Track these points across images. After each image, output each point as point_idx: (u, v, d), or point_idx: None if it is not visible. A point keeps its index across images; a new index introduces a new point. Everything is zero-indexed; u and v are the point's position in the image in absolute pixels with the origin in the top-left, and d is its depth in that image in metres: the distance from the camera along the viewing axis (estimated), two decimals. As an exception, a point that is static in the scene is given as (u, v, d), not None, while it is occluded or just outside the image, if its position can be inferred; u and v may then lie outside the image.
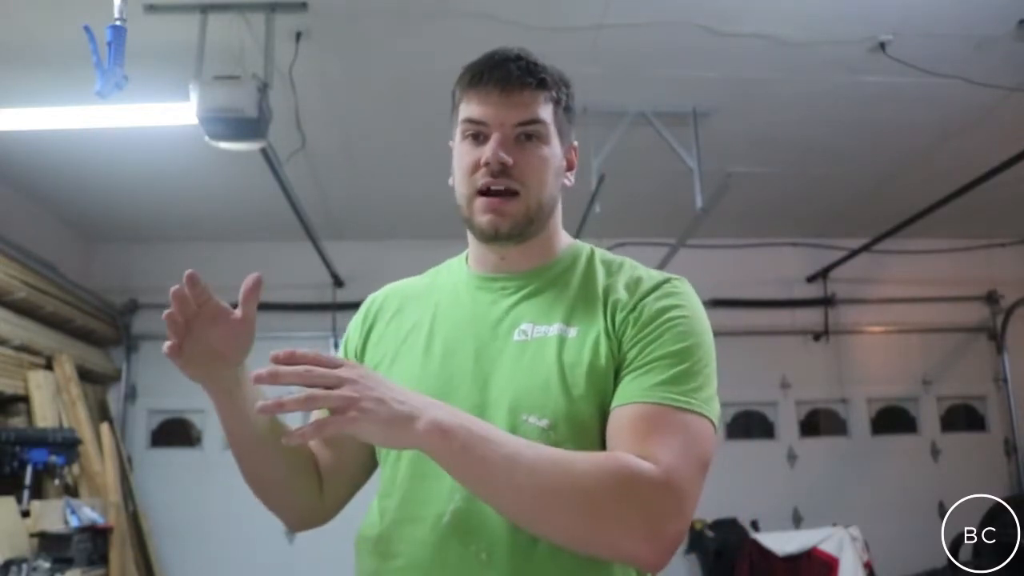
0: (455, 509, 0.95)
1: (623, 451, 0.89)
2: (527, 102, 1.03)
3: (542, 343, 1.01)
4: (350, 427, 0.82)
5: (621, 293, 1.04)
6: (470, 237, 1.12)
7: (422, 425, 0.84)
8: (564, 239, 1.14)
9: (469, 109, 1.04)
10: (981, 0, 2.85)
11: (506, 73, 1.02)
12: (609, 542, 0.86)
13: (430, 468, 0.92)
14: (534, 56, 1.06)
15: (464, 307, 1.09)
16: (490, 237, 1.04)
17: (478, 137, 1.03)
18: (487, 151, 1.01)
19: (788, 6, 2.88)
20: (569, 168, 1.12)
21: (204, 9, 2.76)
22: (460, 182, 1.06)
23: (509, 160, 1.01)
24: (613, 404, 0.96)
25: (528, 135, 1.03)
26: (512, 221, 1.03)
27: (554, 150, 1.06)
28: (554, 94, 1.06)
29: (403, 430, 0.84)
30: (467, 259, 1.16)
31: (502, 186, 1.02)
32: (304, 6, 2.77)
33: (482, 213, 1.03)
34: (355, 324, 1.18)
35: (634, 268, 1.11)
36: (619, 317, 1.01)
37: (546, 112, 1.04)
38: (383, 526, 1.01)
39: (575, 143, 1.13)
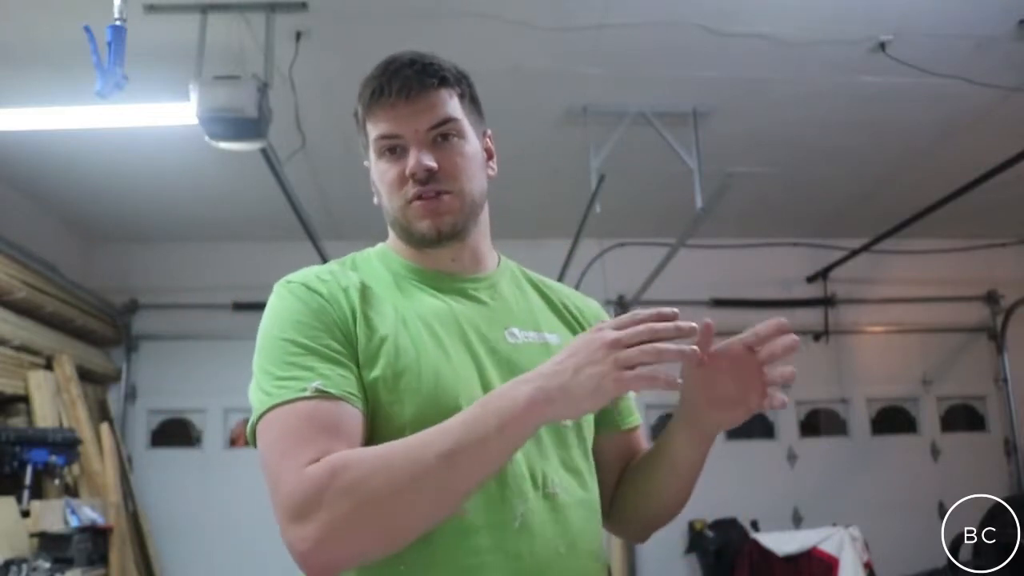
0: (524, 512, 0.94)
1: None
2: (434, 104, 1.02)
3: (534, 347, 1.05)
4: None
5: (581, 314, 1.17)
6: (402, 244, 1.09)
7: None
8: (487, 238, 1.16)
9: (379, 126, 1.03)
10: (981, 0, 2.86)
11: (406, 80, 1.00)
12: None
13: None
14: (427, 56, 1.04)
15: (437, 305, 1.03)
16: (432, 240, 1.03)
17: (395, 151, 1.02)
18: (410, 162, 1.00)
19: (788, 6, 2.88)
20: (489, 157, 1.12)
21: (204, 9, 2.76)
22: (389, 198, 1.04)
23: (434, 165, 1.00)
24: (626, 424, 1.17)
25: (444, 135, 1.02)
26: (451, 219, 1.03)
27: (472, 144, 1.06)
28: (457, 89, 1.05)
29: None
30: (392, 252, 1.11)
31: (432, 192, 1.01)
32: (304, 6, 2.77)
33: (419, 219, 1.02)
34: (322, 306, 0.99)
35: (562, 286, 1.22)
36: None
37: (454, 108, 1.04)
38: (441, 540, 0.92)
39: (488, 131, 1.13)
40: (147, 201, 4.49)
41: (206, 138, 2.74)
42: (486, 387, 0.97)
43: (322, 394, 0.89)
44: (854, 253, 4.94)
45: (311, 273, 1.04)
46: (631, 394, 1.17)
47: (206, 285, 5.01)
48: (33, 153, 3.80)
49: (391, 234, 1.12)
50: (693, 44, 3.09)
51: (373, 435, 0.94)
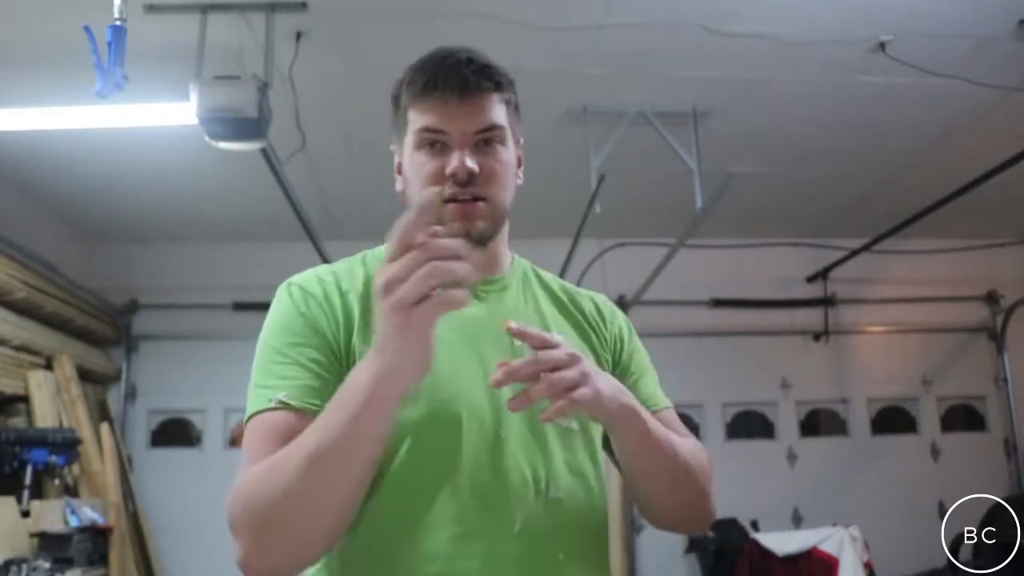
0: (524, 517, 0.94)
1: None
2: (485, 107, 1.01)
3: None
4: (589, 399, 0.86)
5: (594, 311, 1.16)
6: None
7: (628, 399, 0.92)
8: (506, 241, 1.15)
9: (425, 118, 1.01)
10: (981, 0, 2.85)
11: (463, 79, 0.99)
12: (709, 505, 1.06)
13: (480, 479, 0.93)
14: (483, 55, 1.03)
15: None
16: (468, 237, 1.01)
17: (435, 146, 1.01)
18: (453, 162, 0.99)
19: (788, 6, 2.88)
20: (518, 165, 1.12)
21: (204, 9, 2.76)
22: (421, 191, 1.01)
23: (476, 169, 0.99)
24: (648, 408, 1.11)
25: (488, 140, 1.02)
26: (482, 226, 1.02)
27: (510, 152, 1.06)
28: (507, 95, 1.05)
29: (618, 403, 0.90)
30: None
31: (469, 195, 1.00)
32: (304, 6, 2.77)
33: (452, 221, 1.00)
34: (315, 313, 0.98)
35: (574, 287, 1.21)
36: (607, 334, 1.14)
37: (501, 115, 1.03)
38: (426, 543, 0.91)
39: (522, 139, 1.13)
40: (147, 201, 4.49)
41: (206, 138, 2.74)
42: (493, 392, 0.97)
43: (284, 405, 0.90)
44: (854, 253, 4.94)
45: (312, 275, 1.03)
46: (654, 377, 1.16)
47: (206, 285, 5.01)
48: (33, 153, 3.80)
49: None
50: (693, 44, 3.09)
51: None
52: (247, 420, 0.93)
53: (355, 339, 0.97)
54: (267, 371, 0.94)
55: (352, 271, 1.06)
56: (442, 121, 1.00)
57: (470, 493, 0.93)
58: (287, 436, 0.87)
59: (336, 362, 0.96)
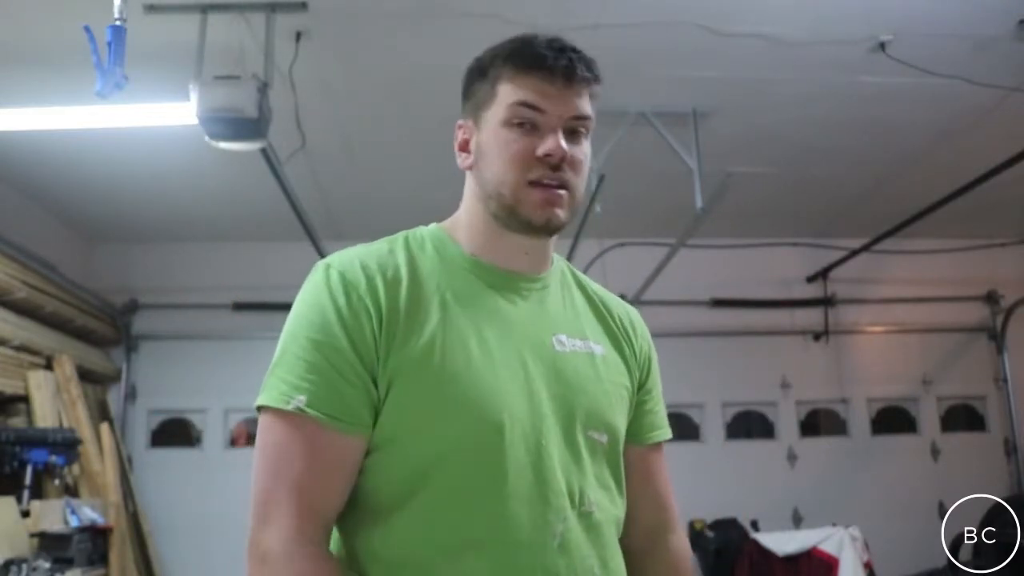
0: (563, 531, 0.93)
1: (666, 500, 1.16)
2: (584, 96, 0.99)
3: (581, 356, 1.03)
4: None
5: (626, 322, 1.14)
6: (477, 221, 1.03)
7: None
8: None
9: (524, 92, 0.96)
10: (981, 0, 2.85)
11: (571, 62, 0.97)
12: None
13: (516, 490, 0.91)
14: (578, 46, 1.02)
15: (489, 305, 0.99)
16: (539, 230, 0.99)
17: (524, 125, 0.97)
18: (549, 143, 0.95)
19: (788, 6, 2.88)
20: None
21: (204, 9, 2.76)
22: (505, 169, 0.97)
23: (570, 155, 0.97)
24: (651, 434, 1.13)
25: (576, 130, 0.99)
26: (562, 214, 0.99)
27: (590, 148, 1.04)
28: (598, 91, 1.03)
29: None
30: (449, 238, 1.05)
31: (556, 181, 0.97)
32: (304, 6, 2.77)
33: (537, 206, 0.96)
34: (355, 307, 0.93)
35: (607, 291, 1.18)
36: (637, 349, 1.12)
37: (592, 109, 1.01)
38: (468, 556, 0.89)
39: None
40: (147, 201, 4.49)
41: (206, 138, 2.74)
42: (531, 398, 0.95)
43: (302, 413, 0.88)
44: (854, 253, 4.94)
45: (355, 260, 0.97)
46: (663, 405, 1.16)
47: (206, 285, 5.01)
48: (33, 153, 3.80)
49: (469, 211, 1.05)
50: (693, 44, 3.09)
51: (417, 444, 0.91)
52: (262, 408, 0.91)
53: (400, 330, 0.93)
54: (292, 364, 0.91)
55: (394, 255, 1.00)
56: (542, 100, 0.96)
57: (513, 505, 0.91)
58: (311, 454, 0.88)
59: (365, 365, 0.91)
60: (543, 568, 0.90)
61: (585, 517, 0.96)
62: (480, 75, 1.02)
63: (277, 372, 0.92)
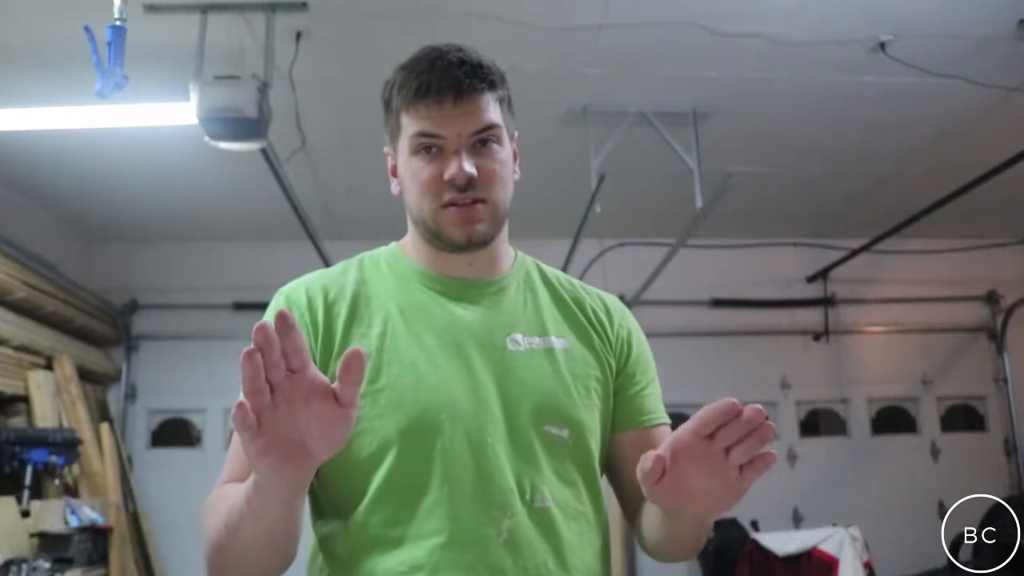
0: (510, 526, 0.93)
1: None
2: (480, 108, 0.99)
3: (537, 354, 1.03)
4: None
5: (600, 312, 1.12)
6: (418, 240, 1.07)
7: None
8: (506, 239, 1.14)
9: (419, 123, 0.99)
10: (981, 0, 2.85)
11: (455, 81, 0.97)
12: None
13: (464, 488, 0.93)
14: (473, 52, 1.01)
15: (437, 312, 1.03)
16: (461, 247, 1.02)
17: (431, 150, 0.99)
18: (452, 168, 0.97)
19: (788, 6, 2.88)
20: (514, 160, 1.08)
21: (204, 9, 2.76)
22: (420, 199, 1.01)
23: (475, 173, 0.98)
24: (642, 419, 1.08)
25: (484, 141, 1.00)
26: (483, 228, 1.01)
27: (507, 150, 1.04)
28: (500, 92, 1.03)
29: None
30: (403, 253, 1.10)
31: (469, 199, 0.99)
32: (304, 6, 2.77)
33: (452, 226, 1.00)
34: (303, 315, 1.01)
35: (583, 285, 1.17)
36: (612, 336, 1.10)
37: (496, 114, 1.01)
38: (410, 553, 0.92)
39: (516, 134, 1.10)
40: (147, 201, 4.49)
41: (206, 138, 2.74)
42: (476, 397, 0.97)
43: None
44: (854, 253, 4.94)
45: (301, 283, 1.05)
46: (654, 389, 1.13)
47: (206, 285, 5.01)
48: (33, 153, 3.80)
49: (410, 231, 1.10)
50: (693, 44, 3.09)
51: (359, 448, 0.94)
52: None
53: (336, 344, 0.99)
54: None
55: (345, 275, 1.07)
56: (437, 125, 0.98)
57: (454, 502, 0.92)
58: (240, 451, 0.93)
59: None
60: (487, 564, 0.91)
61: (539, 513, 0.95)
62: (387, 107, 1.05)
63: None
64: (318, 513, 1.02)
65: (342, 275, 1.06)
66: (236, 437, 0.94)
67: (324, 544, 0.99)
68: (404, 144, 1.02)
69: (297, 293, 1.03)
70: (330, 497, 0.99)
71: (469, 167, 0.97)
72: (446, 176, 0.98)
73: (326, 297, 1.02)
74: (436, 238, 1.03)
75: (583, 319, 1.10)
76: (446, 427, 0.94)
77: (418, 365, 0.97)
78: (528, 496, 0.95)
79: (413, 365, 0.97)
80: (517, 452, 0.97)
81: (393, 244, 1.13)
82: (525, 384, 0.99)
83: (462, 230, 1.00)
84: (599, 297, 1.15)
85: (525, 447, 0.97)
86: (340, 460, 0.92)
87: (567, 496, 0.99)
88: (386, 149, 1.09)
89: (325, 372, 0.90)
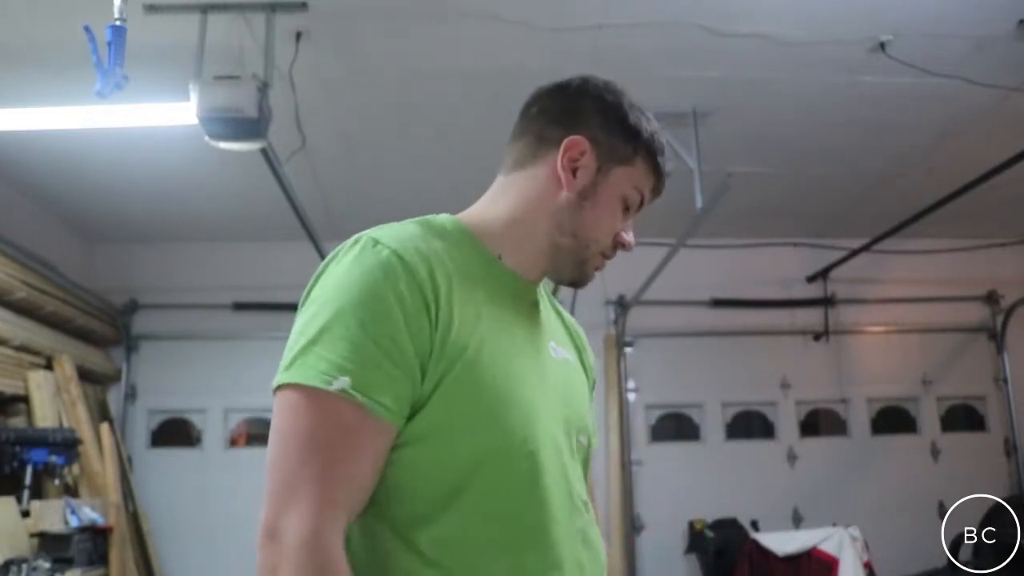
0: (583, 526, 1.00)
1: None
2: None
3: (566, 364, 1.09)
4: None
5: (581, 332, 1.20)
6: (525, 230, 1.02)
7: None
8: None
9: (650, 182, 1.07)
10: (981, 0, 2.85)
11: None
12: None
13: (552, 490, 0.95)
14: None
15: (507, 309, 0.99)
16: (574, 285, 1.08)
17: (628, 210, 1.08)
18: (631, 237, 1.08)
19: (788, 6, 2.88)
20: None
21: (204, 9, 2.76)
22: (596, 234, 1.04)
23: None
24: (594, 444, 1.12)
25: None
26: None
27: None
28: None
29: None
30: (473, 234, 1.01)
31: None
32: (304, 6, 2.77)
33: (592, 273, 1.07)
34: (415, 294, 0.88)
35: (554, 301, 1.21)
36: (585, 362, 1.18)
37: None
38: (531, 552, 0.91)
39: None
40: (147, 201, 4.49)
41: (206, 138, 2.74)
42: (549, 405, 0.99)
43: (345, 396, 0.83)
44: (854, 253, 4.94)
45: (409, 243, 0.92)
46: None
47: (206, 285, 5.01)
48: (33, 153, 3.80)
49: (519, 215, 1.02)
50: (693, 44, 3.09)
51: (456, 446, 0.89)
52: (292, 385, 0.84)
53: (453, 330, 0.90)
54: (333, 343, 0.84)
55: (434, 242, 0.96)
56: (649, 200, 1.10)
57: (552, 503, 0.94)
58: (339, 455, 0.82)
59: (418, 355, 0.87)
60: (576, 561, 0.96)
61: (588, 513, 1.03)
62: (625, 130, 1.04)
63: (315, 350, 0.84)
64: (388, 510, 0.90)
65: (434, 240, 0.96)
66: (314, 413, 0.83)
67: (400, 544, 0.89)
68: (626, 181, 1.05)
69: (411, 256, 0.90)
70: (420, 493, 0.89)
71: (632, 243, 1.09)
72: (625, 239, 1.07)
73: (442, 267, 0.92)
74: (570, 263, 1.04)
75: (572, 336, 1.17)
76: (540, 430, 0.95)
77: (514, 367, 0.95)
78: (581, 499, 1.02)
79: (511, 366, 0.94)
80: (572, 458, 1.02)
81: (450, 218, 1.02)
82: (567, 395, 1.05)
83: (591, 278, 1.08)
84: (572, 320, 1.21)
85: (574, 454, 1.03)
86: (436, 453, 0.88)
87: (587, 499, 1.06)
88: (578, 138, 1.02)
89: (440, 353, 0.88)
